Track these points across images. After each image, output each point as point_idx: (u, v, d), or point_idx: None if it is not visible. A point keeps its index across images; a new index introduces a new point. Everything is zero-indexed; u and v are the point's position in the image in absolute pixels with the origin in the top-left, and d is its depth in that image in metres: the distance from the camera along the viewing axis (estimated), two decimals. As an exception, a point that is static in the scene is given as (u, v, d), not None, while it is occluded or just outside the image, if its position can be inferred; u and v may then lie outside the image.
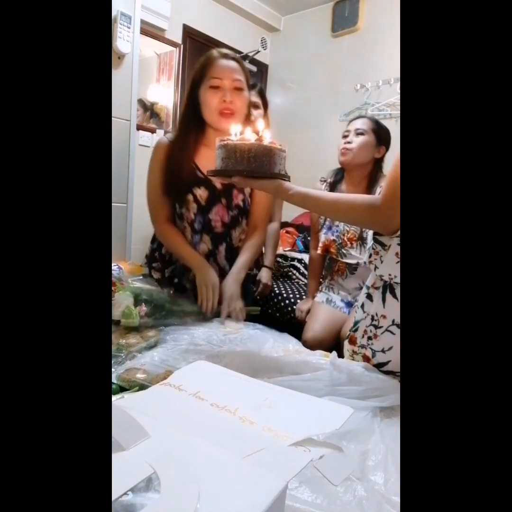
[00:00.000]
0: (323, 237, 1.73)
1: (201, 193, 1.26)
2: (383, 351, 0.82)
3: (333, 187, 1.74)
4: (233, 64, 1.19)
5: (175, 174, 1.24)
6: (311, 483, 0.47)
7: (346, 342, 0.92)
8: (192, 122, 1.24)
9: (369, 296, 0.86)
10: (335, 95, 3.31)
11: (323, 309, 1.70)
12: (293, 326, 1.71)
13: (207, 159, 1.24)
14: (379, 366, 0.83)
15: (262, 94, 1.82)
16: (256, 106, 1.74)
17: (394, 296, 0.81)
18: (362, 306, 0.88)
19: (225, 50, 1.23)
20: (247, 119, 1.26)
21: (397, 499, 0.48)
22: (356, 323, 0.90)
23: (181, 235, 1.29)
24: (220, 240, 1.30)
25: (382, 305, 0.82)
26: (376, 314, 0.83)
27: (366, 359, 0.85)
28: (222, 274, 1.25)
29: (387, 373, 0.81)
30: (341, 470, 0.51)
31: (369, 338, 0.84)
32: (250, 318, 1.09)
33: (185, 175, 1.24)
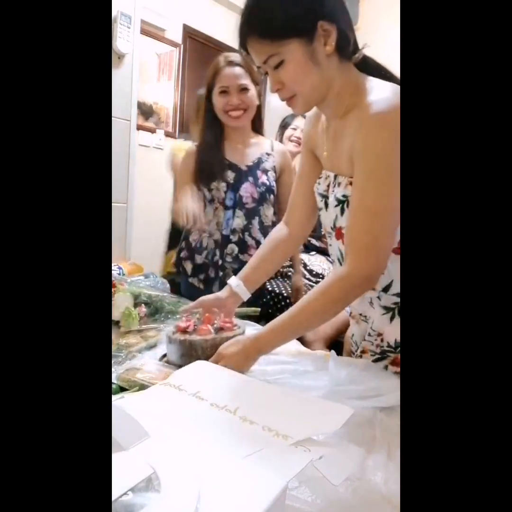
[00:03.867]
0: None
1: (229, 174, 1.41)
2: None
3: None
4: (238, 70, 1.35)
5: (206, 165, 1.39)
6: (311, 483, 0.47)
7: (390, 366, 0.85)
8: (212, 124, 1.41)
9: None
10: (335, 95, 3.30)
11: None
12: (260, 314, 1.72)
13: (232, 149, 1.44)
14: None
15: None
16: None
17: None
18: None
19: (231, 57, 1.37)
20: (258, 127, 1.48)
21: (397, 499, 0.48)
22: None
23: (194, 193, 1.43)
24: (252, 215, 1.42)
25: None
26: None
27: None
28: (258, 247, 1.33)
29: None
30: (341, 470, 0.51)
31: None
32: (250, 318, 1.09)
33: (215, 163, 1.40)
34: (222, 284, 1.34)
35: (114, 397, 0.60)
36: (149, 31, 2.90)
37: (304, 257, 2.19)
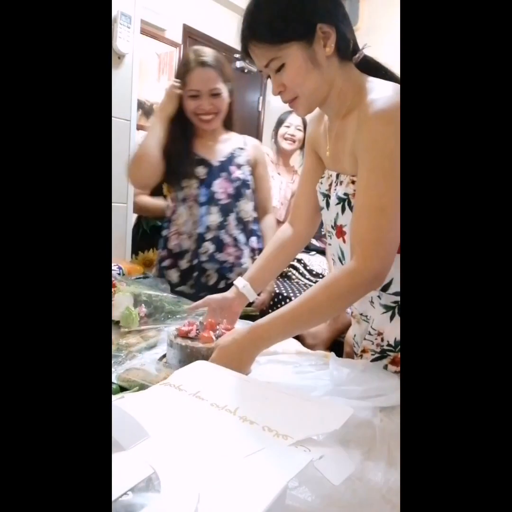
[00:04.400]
0: None
1: (200, 170, 1.35)
2: None
3: None
4: (209, 73, 1.27)
5: (176, 162, 1.33)
6: (311, 483, 0.47)
7: (389, 365, 0.85)
8: (181, 119, 1.33)
9: None
10: (335, 95, 3.30)
11: None
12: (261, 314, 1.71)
13: (202, 146, 1.38)
14: None
15: None
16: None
17: None
18: None
19: (202, 56, 1.27)
20: (229, 123, 1.42)
21: (397, 499, 0.48)
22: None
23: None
24: (227, 211, 1.36)
25: None
26: None
27: None
28: (236, 245, 1.36)
29: None
30: (341, 470, 0.51)
31: None
32: (249, 318, 1.09)
33: (184, 162, 1.34)
34: (204, 286, 1.31)
35: (114, 397, 0.60)
36: (149, 31, 2.90)
37: (304, 257, 2.19)
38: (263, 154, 1.50)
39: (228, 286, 1.24)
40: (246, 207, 1.39)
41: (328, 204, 0.87)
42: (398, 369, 0.83)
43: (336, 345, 1.62)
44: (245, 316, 1.08)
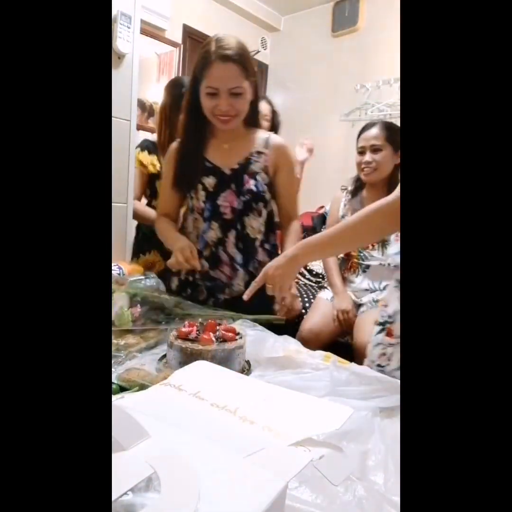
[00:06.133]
0: None
1: (210, 181, 1.23)
2: None
3: (354, 194, 1.76)
4: (231, 69, 1.10)
5: (185, 169, 1.25)
6: (311, 483, 0.47)
7: (379, 336, 0.91)
8: (195, 117, 1.22)
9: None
10: (335, 95, 3.31)
11: (327, 305, 1.71)
12: (294, 325, 1.71)
13: (215, 149, 1.25)
14: None
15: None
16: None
17: None
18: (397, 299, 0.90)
19: (224, 48, 1.10)
20: (252, 121, 1.26)
21: (397, 499, 0.48)
22: (391, 316, 0.89)
23: (173, 225, 1.32)
24: (228, 227, 1.23)
25: None
26: None
27: None
28: (232, 264, 1.24)
29: None
30: (341, 470, 0.51)
31: None
32: (273, 326, 1.04)
33: (195, 167, 1.24)
34: (195, 301, 1.18)
35: (114, 397, 0.60)
36: (149, 31, 2.90)
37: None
38: (287, 156, 1.29)
39: (217, 303, 1.23)
40: (254, 223, 1.25)
41: None
42: (391, 340, 0.88)
43: (336, 346, 1.62)
44: (269, 324, 1.04)
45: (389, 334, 0.89)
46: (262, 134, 1.28)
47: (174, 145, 1.30)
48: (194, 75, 1.17)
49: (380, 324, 0.92)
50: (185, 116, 1.25)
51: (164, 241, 1.30)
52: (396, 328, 0.87)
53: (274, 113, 1.98)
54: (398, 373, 0.84)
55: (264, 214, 1.27)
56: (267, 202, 1.28)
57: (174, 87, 1.75)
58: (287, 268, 0.91)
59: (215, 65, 1.10)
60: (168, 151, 1.32)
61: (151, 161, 1.80)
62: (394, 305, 0.89)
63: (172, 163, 1.28)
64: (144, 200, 1.87)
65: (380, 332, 0.92)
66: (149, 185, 1.83)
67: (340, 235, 0.89)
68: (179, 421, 0.53)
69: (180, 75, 3.18)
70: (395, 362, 0.87)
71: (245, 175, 1.23)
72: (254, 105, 1.23)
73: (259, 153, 1.25)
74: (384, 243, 1.66)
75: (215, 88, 1.12)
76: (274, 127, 1.94)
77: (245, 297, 0.97)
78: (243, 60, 1.12)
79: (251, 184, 1.23)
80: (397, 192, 0.80)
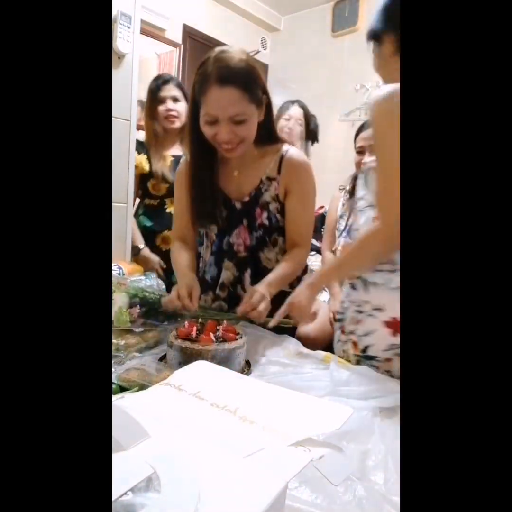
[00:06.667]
0: (342, 240, 1.75)
1: (222, 214, 1.15)
2: (366, 334, 0.88)
3: (352, 193, 1.75)
4: (231, 94, 0.95)
5: (202, 203, 1.15)
6: (311, 483, 0.47)
7: (338, 333, 0.97)
8: (200, 143, 1.08)
9: (353, 286, 0.94)
10: (335, 95, 3.31)
11: (324, 307, 1.71)
12: (293, 326, 1.72)
13: (226, 177, 1.15)
14: (364, 350, 0.88)
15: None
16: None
17: (374, 282, 0.89)
18: (347, 296, 0.96)
19: (223, 69, 0.94)
20: (266, 138, 1.11)
21: (397, 499, 0.48)
22: (342, 313, 0.96)
23: (186, 257, 1.19)
24: (244, 265, 1.16)
25: (364, 292, 0.90)
26: (360, 301, 0.91)
27: (354, 345, 0.90)
28: None
29: (370, 358, 0.86)
30: (341, 470, 0.51)
31: (356, 322, 0.90)
32: (283, 330, 1.04)
33: (212, 201, 1.14)
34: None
35: (114, 397, 0.60)
36: (149, 31, 2.90)
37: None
38: (300, 178, 1.13)
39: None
40: (270, 255, 1.17)
41: None
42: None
43: (329, 346, 1.62)
44: (278, 328, 1.03)
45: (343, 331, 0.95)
46: (277, 152, 1.13)
47: (183, 168, 1.18)
48: (193, 98, 1.04)
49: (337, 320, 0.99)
50: (190, 143, 1.12)
51: (174, 270, 1.22)
52: (346, 324, 0.94)
53: (308, 117, 1.86)
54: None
55: (280, 242, 1.18)
56: (282, 229, 1.17)
57: (152, 82, 1.84)
58: (310, 298, 0.97)
59: (213, 89, 0.95)
60: (177, 172, 1.22)
61: (141, 161, 1.81)
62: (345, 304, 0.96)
63: (185, 190, 1.16)
64: (137, 199, 1.89)
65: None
66: (141, 185, 1.85)
67: (346, 260, 0.95)
68: (179, 421, 0.53)
69: (180, 75, 3.18)
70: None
71: (258, 208, 1.13)
72: (267, 120, 1.08)
73: (269, 179, 1.12)
74: None
75: (214, 116, 0.98)
76: (310, 133, 1.83)
77: (271, 325, 1.00)
78: (246, 81, 0.96)
79: (263, 218, 1.14)
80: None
